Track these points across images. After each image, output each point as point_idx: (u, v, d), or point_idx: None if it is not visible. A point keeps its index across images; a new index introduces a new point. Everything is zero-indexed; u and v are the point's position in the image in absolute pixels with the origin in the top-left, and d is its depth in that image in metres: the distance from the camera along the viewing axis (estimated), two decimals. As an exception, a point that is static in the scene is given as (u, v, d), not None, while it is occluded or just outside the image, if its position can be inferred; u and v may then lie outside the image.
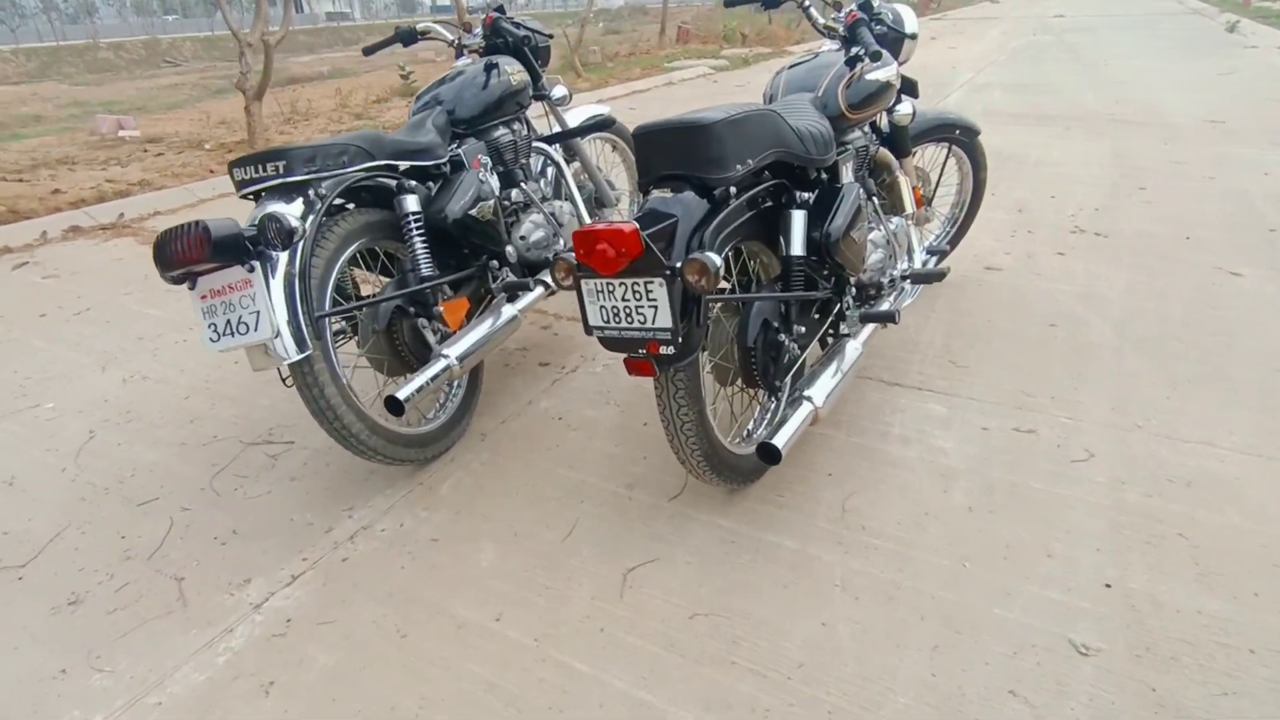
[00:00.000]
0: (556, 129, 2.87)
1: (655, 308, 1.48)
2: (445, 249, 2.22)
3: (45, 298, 3.60)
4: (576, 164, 2.97)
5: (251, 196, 1.83)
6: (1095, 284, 3.03)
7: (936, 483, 1.94)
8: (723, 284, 1.92)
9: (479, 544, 1.84)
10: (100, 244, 4.41)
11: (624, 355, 1.58)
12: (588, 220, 2.71)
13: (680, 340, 1.49)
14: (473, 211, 2.16)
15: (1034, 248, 3.47)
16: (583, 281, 1.55)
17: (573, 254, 1.50)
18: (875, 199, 2.30)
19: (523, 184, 2.54)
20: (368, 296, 2.09)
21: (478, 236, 2.21)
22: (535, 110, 2.85)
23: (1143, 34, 12.84)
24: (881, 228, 2.27)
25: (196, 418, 2.47)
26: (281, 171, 1.76)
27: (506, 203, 2.50)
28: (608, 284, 1.52)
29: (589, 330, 1.59)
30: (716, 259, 1.43)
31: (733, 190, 1.65)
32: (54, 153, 6.89)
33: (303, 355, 1.73)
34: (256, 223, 1.67)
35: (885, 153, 2.42)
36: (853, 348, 1.96)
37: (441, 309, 2.08)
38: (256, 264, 1.66)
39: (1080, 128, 5.83)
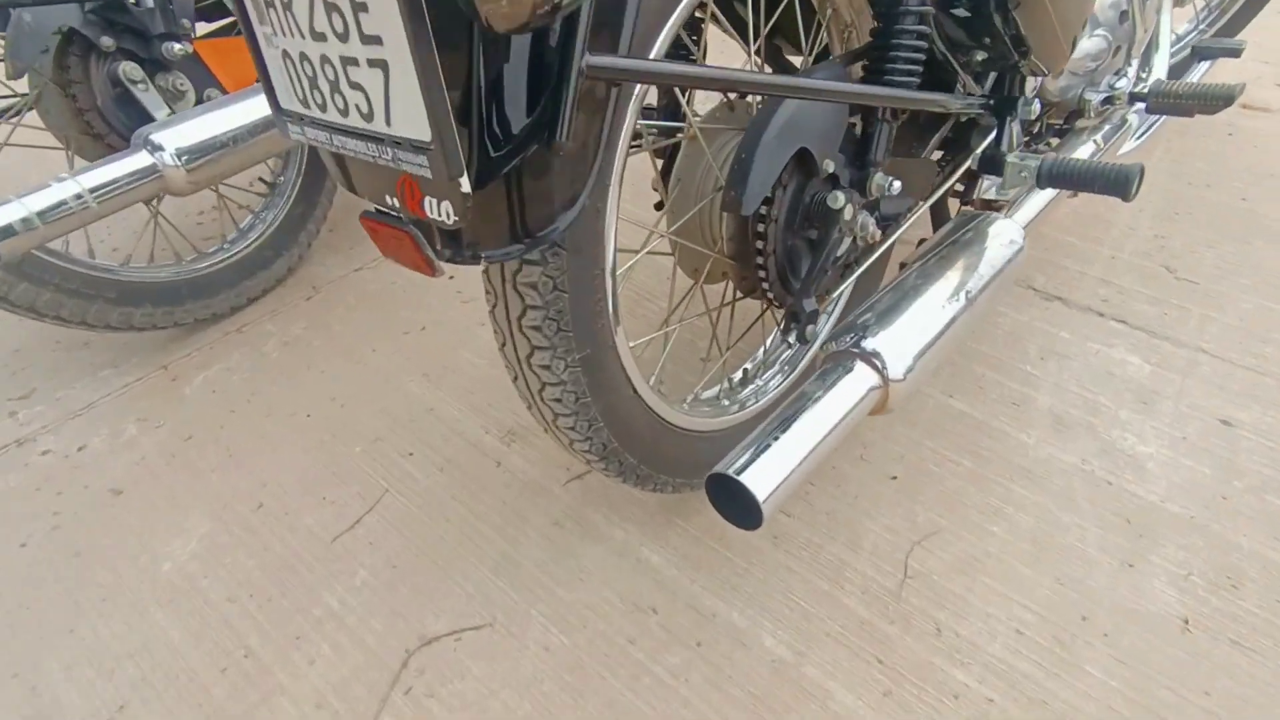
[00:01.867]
0: None
1: (383, 71, 0.45)
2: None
3: None
4: None
5: None
6: None
7: (1116, 540, 0.93)
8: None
9: (188, 514, 0.97)
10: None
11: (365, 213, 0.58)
12: None
13: (476, 170, 0.47)
14: None
15: (1333, 82, 2.08)
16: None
17: None
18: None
19: None
20: None
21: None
22: None
23: None
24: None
25: None
26: None
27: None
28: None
29: (279, 114, 0.57)
30: None
31: None
32: None
33: None
34: None
35: None
36: (1005, 234, 0.88)
37: (193, 48, 1.07)
38: None
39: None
